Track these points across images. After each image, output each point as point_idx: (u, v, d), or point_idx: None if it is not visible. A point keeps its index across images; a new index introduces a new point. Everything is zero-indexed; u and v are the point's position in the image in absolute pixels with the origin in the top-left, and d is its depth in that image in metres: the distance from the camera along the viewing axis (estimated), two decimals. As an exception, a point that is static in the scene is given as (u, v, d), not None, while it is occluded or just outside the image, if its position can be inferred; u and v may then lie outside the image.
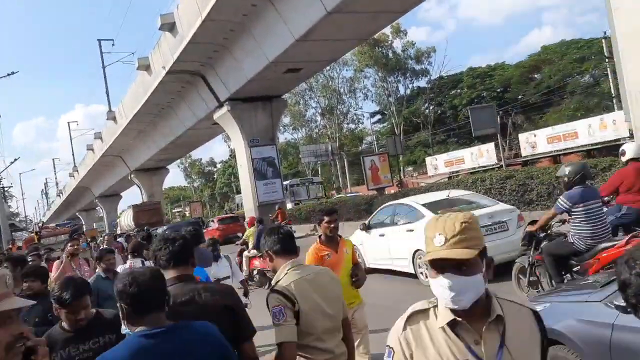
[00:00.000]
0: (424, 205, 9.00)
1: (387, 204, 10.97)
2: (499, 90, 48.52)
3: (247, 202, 26.11)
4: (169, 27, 21.65)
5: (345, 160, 47.29)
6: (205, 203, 71.56)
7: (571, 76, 39.95)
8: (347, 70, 49.78)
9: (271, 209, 22.88)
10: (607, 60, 29.06)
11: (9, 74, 23.61)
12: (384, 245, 9.70)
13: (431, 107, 50.82)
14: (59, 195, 78.40)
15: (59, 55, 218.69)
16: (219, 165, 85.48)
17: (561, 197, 5.73)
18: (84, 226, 23.03)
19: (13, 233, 21.78)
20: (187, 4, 19.66)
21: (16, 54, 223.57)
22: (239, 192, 73.75)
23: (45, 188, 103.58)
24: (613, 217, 6.05)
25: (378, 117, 56.85)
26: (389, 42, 46.95)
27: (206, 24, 18.85)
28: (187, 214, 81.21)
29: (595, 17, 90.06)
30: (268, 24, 18.24)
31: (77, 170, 58.39)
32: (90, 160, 48.98)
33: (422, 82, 51.00)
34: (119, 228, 41.03)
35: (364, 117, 55.45)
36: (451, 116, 50.81)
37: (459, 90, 51.84)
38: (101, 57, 39.84)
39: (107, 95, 41.05)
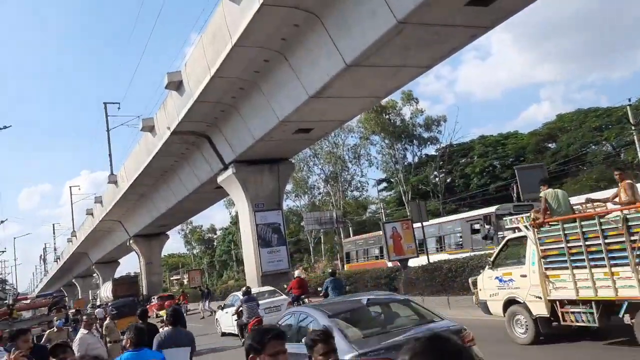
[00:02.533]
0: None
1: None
2: (512, 159, 47.45)
3: (250, 271, 24.29)
4: (176, 85, 20.76)
5: (350, 228, 45.63)
6: (204, 271, 69.19)
7: (590, 145, 38.94)
8: (352, 137, 49.10)
9: (277, 280, 21.05)
10: (633, 128, 27.97)
11: (1, 128, 22.40)
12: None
13: (441, 175, 49.63)
14: (57, 261, 77.07)
15: (66, 119, 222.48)
16: (219, 232, 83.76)
17: None
18: (66, 298, 21.29)
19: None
20: (196, 60, 18.81)
21: (22, 116, 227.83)
22: (238, 260, 72.64)
23: (44, 253, 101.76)
24: None
25: (384, 184, 55.73)
26: (398, 109, 46.49)
27: (215, 81, 17.88)
28: (185, 281, 78.90)
29: (592, 93, 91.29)
30: (280, 81, 17.22)
31: (76, 236, 57.47)
32: (89, 225, 47.91)
33: (431, 150, 50.19)
34: (98, 299, 43.31)
35: (368, 184, 54.18)
36: (462, 184, 49.55)
37: (469, 159, 50.89)
38: (106, 120, 39.30)
39: (110, 158, 40.40)
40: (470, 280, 10.67)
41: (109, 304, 23.50)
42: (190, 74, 19.62)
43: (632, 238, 6.92)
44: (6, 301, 18.18)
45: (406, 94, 44.72)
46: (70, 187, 75.22)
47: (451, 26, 12.44)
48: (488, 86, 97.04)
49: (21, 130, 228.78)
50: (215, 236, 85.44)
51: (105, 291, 40.88)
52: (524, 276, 8.78)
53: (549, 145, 45.09)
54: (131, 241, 43.43)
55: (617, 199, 8.24)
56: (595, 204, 8.90)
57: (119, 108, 54.77)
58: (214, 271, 78.65)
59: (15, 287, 57.66)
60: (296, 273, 20.09)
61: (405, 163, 49.91)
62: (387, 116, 46.32)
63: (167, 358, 5.13)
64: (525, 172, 17.46)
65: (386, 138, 47.29)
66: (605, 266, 7.33)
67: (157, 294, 37.76)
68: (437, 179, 49.55)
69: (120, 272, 59.09)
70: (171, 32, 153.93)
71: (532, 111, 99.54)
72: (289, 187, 48.90)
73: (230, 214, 69.41)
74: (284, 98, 17.58)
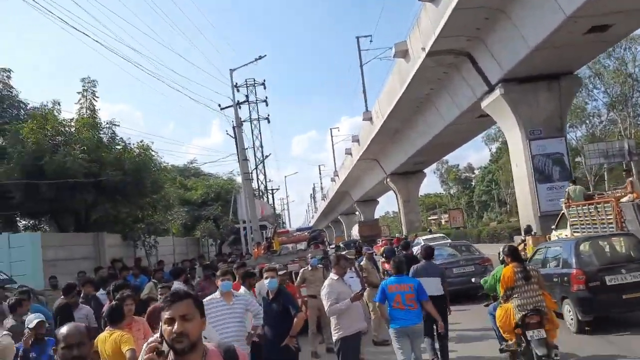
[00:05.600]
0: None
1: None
2: None
3: (525, 209, 20.53)
4: (431, -8, 17.75)
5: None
6: (463, 211, 66.26)
7: None
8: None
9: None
10: None
11: (256, 59, 22.59)
12: None
13: None
14: (324, 199, 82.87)
15: (328, 71, 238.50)
16: (477, 172, 79.21)
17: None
18: (325, 234, 21.27)
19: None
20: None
21: (289, 67, 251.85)
22: (499, 200, 67.71)
23: (313, 192, 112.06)
24: None
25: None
26: None
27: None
28: (444, 222, 77.46)
29: None
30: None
31: (338, 175, 60.07)
32: (349, 164, 49.15)
33: None
34: (352, 236, 49.09)
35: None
36: None
37: None
38: (359, 54, 38.47)
39: (364, 95, 40.02)
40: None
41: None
42: (447, -24, 16.37)
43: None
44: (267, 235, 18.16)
45: None
46: (330, 129, 79.23)
47: None
48: None
49: (288, 82, 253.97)
50: (472, 175, 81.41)
51: (354, 231, 46.93)
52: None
53: None
54: (388, 179, 42.99)
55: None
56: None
57: (371, 41, 53.83)
58: (472, 212, 75.22)
59: (284, 222, 63.46)
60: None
61: None
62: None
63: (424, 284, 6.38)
64: None
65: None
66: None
67: (416, 232, 36.94)
68: None
69: (379, 210, 60.56)
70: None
71: None
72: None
73: (490, 150, 64.55)
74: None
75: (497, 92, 19.63)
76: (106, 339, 5.10)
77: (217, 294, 5.69)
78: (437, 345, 7.18)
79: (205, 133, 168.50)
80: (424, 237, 24.60)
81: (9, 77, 17.42)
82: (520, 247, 12.16)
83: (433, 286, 7.06)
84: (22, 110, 17.75)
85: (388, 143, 36.76)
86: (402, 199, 42.96)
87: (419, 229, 41.29)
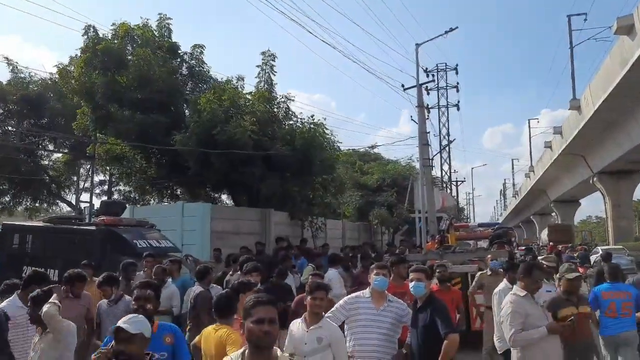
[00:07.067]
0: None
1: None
2: None
3: None
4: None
5: None
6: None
7: None
8: None
9: None
10: None
11: (446, 32, 20.76)
12: None
13: None
14: (514, 197, 77.60)
15: (530, 55, 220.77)
16: None
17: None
18: (514, 232, 18.61)
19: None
20: None
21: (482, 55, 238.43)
22: None
23: (504, 189, 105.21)
24: None
25: None
26: None
27: None
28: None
29: None
30: None
31: (533, 171, 55.70)
32: (548, 159, 44.44)
33: None
34: (540, 241, 45.07)
35: None
36: None
37: None
38: (569, 34, 33.68)
39: (572, 80, 34.62)
40: None
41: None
42: None
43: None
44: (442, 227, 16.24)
45: None
46: (529, 119, 72.74)
47: None
48: None
49: (482, 69, 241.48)
50: None
51: (543, 235, 43.43)
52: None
53: None
54: (595, 178, 37.45)
55: None
56: None
57: (585, 19, 46.95)
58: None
59: (467, 217, 59.85)
60: None
61: None
62: None
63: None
64: None
65: None
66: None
67: (627, 240, 32.62)
68: None
69: (581, 212, 54.18)
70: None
71: None
72: None
73: None
74: None
75: None
76: (210, 335, 4.15)
77: (366, 292, 4.77)
78: None
79: (394, 123, 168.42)
80: (603, 247, 23.42)
81: (201, 53, 18.11)
82: None
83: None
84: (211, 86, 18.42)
85: (598, 136, 31.78)
86: (611, 203, 37.11)
87: (631, 239, 35.26)
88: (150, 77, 15.00)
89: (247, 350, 2.66)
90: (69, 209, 28.17)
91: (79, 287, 6.08)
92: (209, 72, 18.62)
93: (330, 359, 4.12)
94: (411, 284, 4.66)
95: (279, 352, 2.70)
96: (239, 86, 17.12)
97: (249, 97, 16.06)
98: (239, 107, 14.69)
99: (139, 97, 15.03)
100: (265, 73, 16.27)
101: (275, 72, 16.57)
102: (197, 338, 4.98)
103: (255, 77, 16.58)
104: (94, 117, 15.74)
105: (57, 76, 20.76)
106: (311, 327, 4.18)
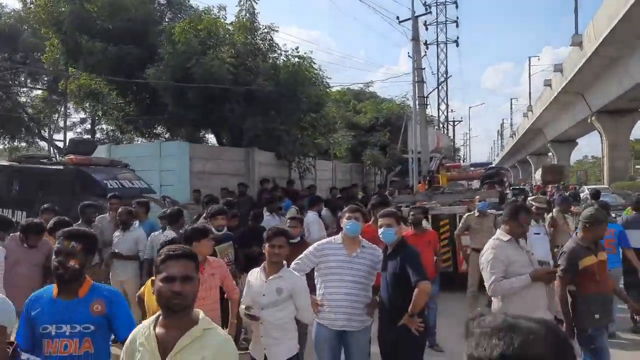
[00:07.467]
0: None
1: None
2: None
3: None
4: None
5: None
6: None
7: None
8: None
9: None
10: None
11: None
12: None
13: None
14: (512, 137, 77.01)
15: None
16: None
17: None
18: (507, 172, 18.03)
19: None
20: None
21: None
22: None
23: (501, 129, 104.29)
24: None
25: None
26: None
27: None
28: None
29: None
30: None
31: (532, 110, 54.89)
32: (547, 97, 43.66)
33: None
34: (534, 181, 44.51)
35: None
36: None
37: None
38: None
39: (575, 14, 33.02)
40: None
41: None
42: None
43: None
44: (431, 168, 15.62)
45: None
46: (529, 57, 70.87)
47: None
48: None
49: (483, 5, 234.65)
50: None
51: (537, 175, 42.77)
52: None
53: None
54: (593, 117, 36.70)
55: None
56: None
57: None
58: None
59: (464, 158, 59.37)
60: None
61: None
62: None
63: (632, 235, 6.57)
64: None
65: None
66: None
67: (622, 180, 32.72)
68: None
69: (579, 153, 53.94)
70: None
71: None
72: None
73: None
74: None
75: None
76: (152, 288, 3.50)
77: (338, 237, 4.35)
78: None
79: (394, 61, 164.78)
80: (589, 187, 23.60)
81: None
82: None
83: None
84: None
85: (599, 74, 30.89)
86: (608, 142, 36.57)
87: (626, 178, 34.88)
88: (122, 4, 13.86)
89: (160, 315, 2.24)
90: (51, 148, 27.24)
91: (35, 239, 5.57)
92: (188, 1, 17.44)
93: (291, 310, 3.77)
94: (380, 230, 4.18)
95: (201, 314, 2.25)
96: (221, 16, 15.92)
97: (230, 27, 14.89)
98: (218, 38, 13.60)
99: (110, 27, 13.94)
100: (247, 2, 15.01)
101: (257, 0, 15.29)
102: (142, 289, 4.44)
103: (236, 6, 15.38)
104: (64, 50, 14.68)
105: (31, 7, 19.45)
106: (270, 277, 3.77)
